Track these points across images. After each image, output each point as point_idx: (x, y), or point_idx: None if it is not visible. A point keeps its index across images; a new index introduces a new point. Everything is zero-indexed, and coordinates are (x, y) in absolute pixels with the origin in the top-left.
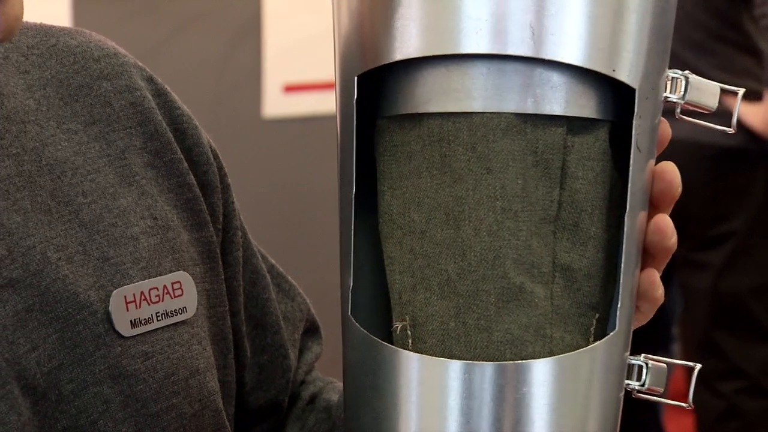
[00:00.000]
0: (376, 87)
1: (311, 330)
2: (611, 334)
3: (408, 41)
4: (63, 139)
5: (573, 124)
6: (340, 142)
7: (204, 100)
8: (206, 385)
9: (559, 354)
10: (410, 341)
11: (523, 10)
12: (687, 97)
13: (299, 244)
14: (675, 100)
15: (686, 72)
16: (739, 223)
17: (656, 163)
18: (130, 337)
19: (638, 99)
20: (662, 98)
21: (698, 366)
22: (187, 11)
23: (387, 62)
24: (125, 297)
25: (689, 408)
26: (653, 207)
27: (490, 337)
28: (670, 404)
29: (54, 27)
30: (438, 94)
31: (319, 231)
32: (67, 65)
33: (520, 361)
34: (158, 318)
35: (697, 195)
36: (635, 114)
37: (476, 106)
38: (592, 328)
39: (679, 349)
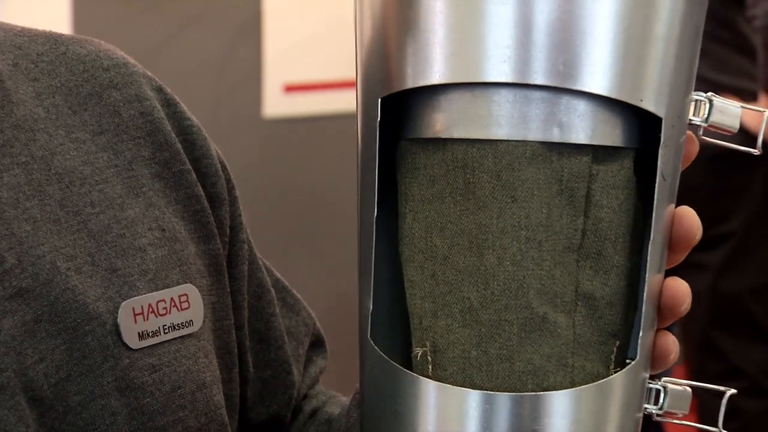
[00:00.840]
0: (399, 106)
1: (316, 344)
2: (632, 363)
3: (433, 67)
4: (71, 149)
5: (598, 152)
6: (360, 163)
7: (204, 100)
8: (212, 398)
9: (580, 383)
10: (430, 367)
11: (549, 40)
12: (710, 119)
13: (299, 244)
14: (698, 123)
15: (709, 94)
16: (737, 223)
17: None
18: (138, 349)
19: (665, 128)
20: (687, 122)
21: (731, 391)
22: (187, 12)
23: (411, 87)
24: (133, 309)
25: None
26: (670, 249)
27: (512, 367)
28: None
29: (63, 35)
30: (463, 120)
31: (319, 231)
32: (76, 74)
33: (540, 393)
34: (165, 330)
35: (695, 196)
36: (661, 143)
37: (501, 133)
38: (612, 356)
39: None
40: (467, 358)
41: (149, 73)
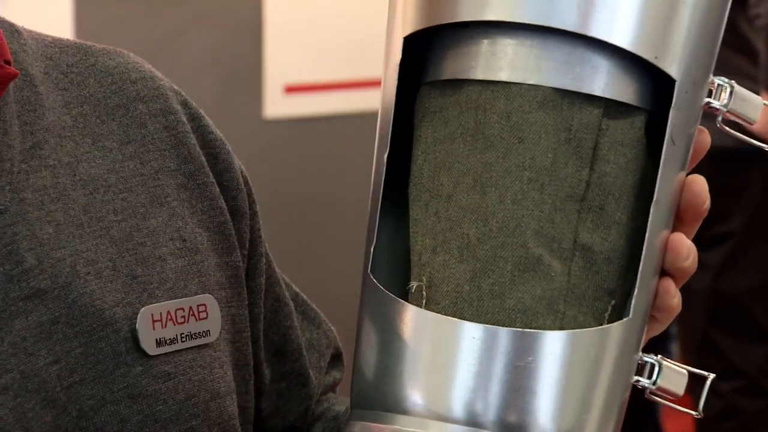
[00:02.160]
0: (423, 59)
1: (335, 356)
2: (625, 319)
3: (455, 6)
4: (98, 156)
5: (610, 108)
6: (381, 106)
7: (205, 101)
8: (226, 409)
9: None
10: (424, 301)
11: None
12: (730, 105)
13: (300, 244)
14: (718, 107)
15: (732, 81)
16: (737, 223)
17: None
18: (154, 356)
19: (677, 90)
20: (704, 100)
21: (712, 375)
22: (188, 12)
23: (435, 24)
24: (152, 315)
25: (699, 416)
26: (678, 220)
27: (503, 303)
28: (679, 409)
29: (94, 46)
30: (481, 63)
31: (319, 231)
32: (104, 85)
33: (529, 330)
34: (182, 339)
35: None
36: (672, 105)
37: (515, 76)
38: (606, 314)
39: (677, 348)
40: (460, 292)
41: (175, 87)
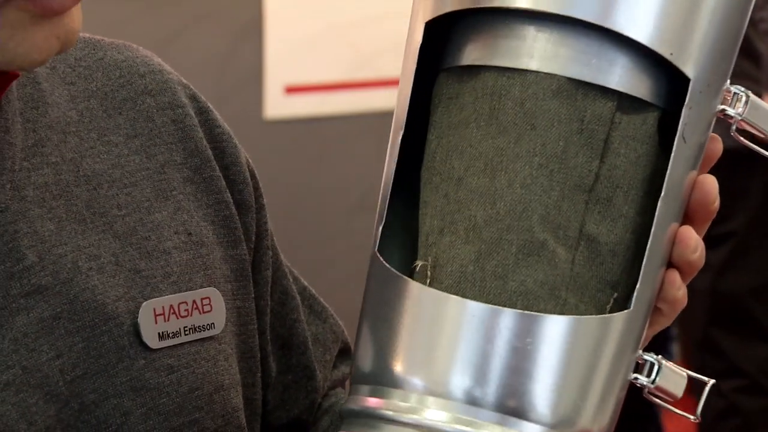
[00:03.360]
0: (443, 46)
1: (343, 351)
2: (626, 311)
3: None
4: (102, 152)
5: (624, 102)
6: (399, 89)
7: None
8: (230, 401)
9: None
10: (428, 281)
11: None
12: (745, 114)
13: (299, 244)
14: (732, 115)
15: (748, 91)
16: (738, 223)
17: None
18: (157, 349)
19: (691, 89)
20: (718, 105)
21: (711, 381)
22: (188, 12)
23: (458, 9)
24: (154, 309)
25: (696, 421)
26: (687, 219)
27: (505, 285)
28: (677, 412)
29: (102, 40)
30: (499, 50)
31: (319, 232)
32: (112, 79)
33: (530, 312)
34: (186, 332)
35: None
36: (685, 103)
37: (532, 64)
38: (608, 306)
39: (678, 348)
40: (464, 272)
41: (184, 80)
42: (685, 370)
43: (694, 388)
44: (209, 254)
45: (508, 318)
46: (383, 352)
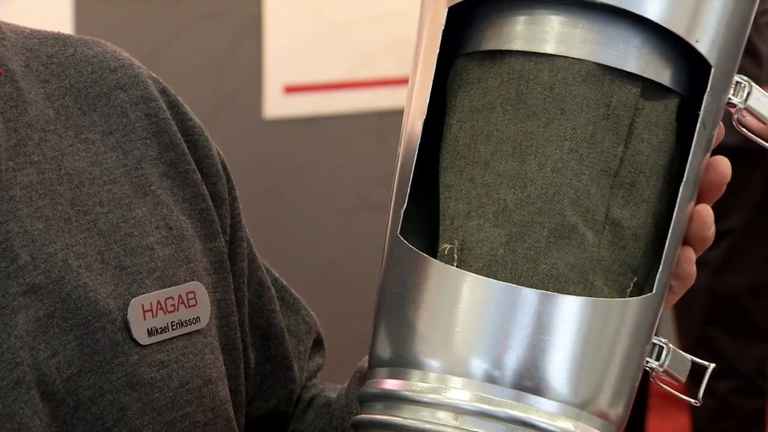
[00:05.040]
0: (458, 33)
1: (316, 342)
2: (648, 294)
3: None
4: (81, 149)
5: (647, 88)
6: (419, 75)
7: (205, 101)
8: (218, 393)
9: None
10: (455, 264)
11: None
12: (748, 102)
13: (299, 244)
14: (736, 103)
15: (750, 80)
16: (736, 221)
17: None
18: (147, 345)
19: (713, 77)
20: (728, 95)
21: (712, 366)
22: (188, 12)
23: None
24: (143, 306)
25: (697, 404)
26: (700, 197)
27: (537, 268)
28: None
29: (72, 37)
30: (524, 35)
31: (318, 232)
32: (85, 74)
33: (558, 294)
34: (173, 327)
35: None
36: (707, 91)
37: (561, 50)
38: (628, 290)
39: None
40: (494, 255)
41: (153, 74)
42: (688, 356)
43: (690, 384)
44: (190, 248)
45: (533, 298)
46: (405, 334)
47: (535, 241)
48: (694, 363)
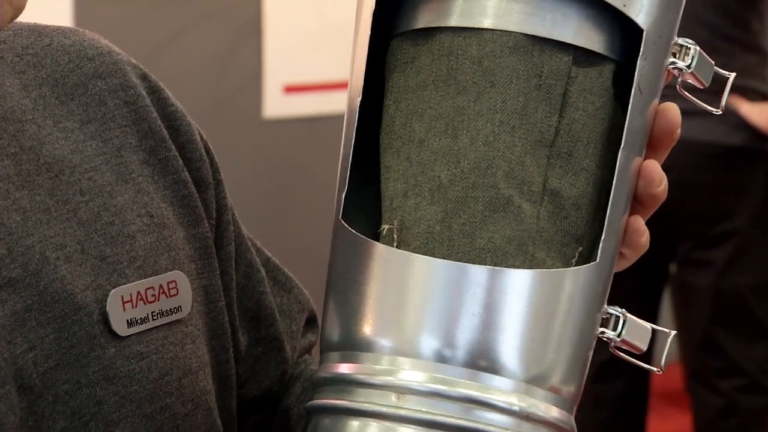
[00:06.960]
0: (393, 15)
1: (309, 319)
2: (592, 263)
3: None
4: (60, 138)
5: (579, 56)
6: (354, 57)
7: (204, 101)
8: (198, 384)
9: None
10: (395, 244)
11: None
12: (692, 67)
13: (298, 244)
14: (681, 67)
15: (695, 43)
16: (740, 221)
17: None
18: (126, 336)
19: (645, 41)
20: (669, 57)
21: (673, 332)
22: (187, 12)
23: None
24: (122, 297)
25: (659, 372)
26: (650, 149)
27: (473, 243)
28: (678, 398)
29: (48, 27)
30: (454, 11)
31: (318, 231)
32: (62, 64)
33: (498, 267)
34: (154, 317)
35: (699, 193)
36: (640, 55)
37: (487, 23)
38: (573, 260)
39: (677, 347)
40: (431, 233)
41: (134, 61)
42: (647, 323)
43: (688, 383)
44: (172, 235)
45: (476, 274)
46: (352, 317)
47: (471, 216)
48: (656, 329)
